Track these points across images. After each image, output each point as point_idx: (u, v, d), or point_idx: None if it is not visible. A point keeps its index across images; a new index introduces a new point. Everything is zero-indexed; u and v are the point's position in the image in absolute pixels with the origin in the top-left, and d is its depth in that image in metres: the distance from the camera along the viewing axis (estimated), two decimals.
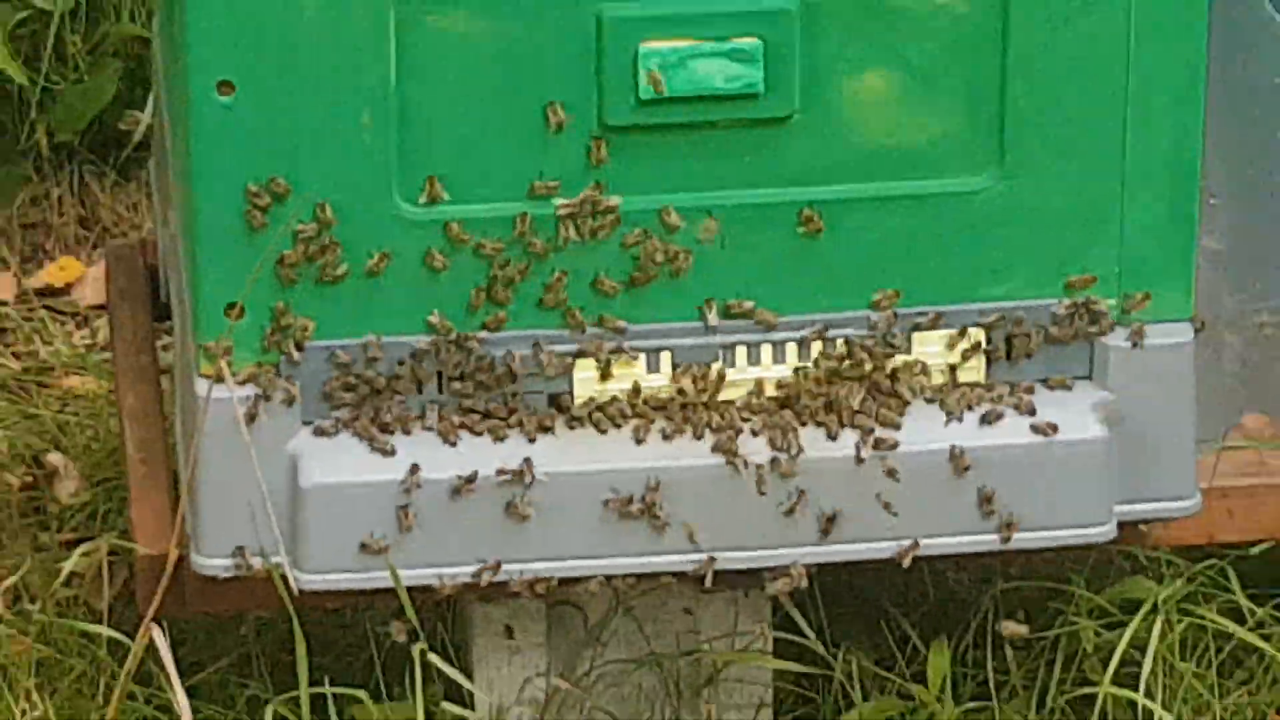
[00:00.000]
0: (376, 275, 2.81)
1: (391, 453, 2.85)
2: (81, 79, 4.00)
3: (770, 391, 2.89)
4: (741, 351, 2.88)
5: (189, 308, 2.86)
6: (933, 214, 2.86)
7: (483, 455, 2.86)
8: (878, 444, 2.87)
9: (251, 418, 2.82)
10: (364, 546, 2.85)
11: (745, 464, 2.86)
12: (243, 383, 2.82)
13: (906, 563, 2.89)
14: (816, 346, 2.88)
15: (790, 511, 2.87)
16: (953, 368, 2.91)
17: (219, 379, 2.82)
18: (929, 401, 2.91)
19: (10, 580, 3.29)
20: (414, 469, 2.83)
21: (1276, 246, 3.13)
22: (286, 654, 2.93)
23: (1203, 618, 3.03)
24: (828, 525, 2.88)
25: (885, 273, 2.87)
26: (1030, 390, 2.90)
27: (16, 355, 3.77)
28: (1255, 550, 3.05)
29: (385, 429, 2.87)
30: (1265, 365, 3.12)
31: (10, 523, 3.46)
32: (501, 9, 2.76)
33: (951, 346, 2.90)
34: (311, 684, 2.89)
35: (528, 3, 2.77)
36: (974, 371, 2.90)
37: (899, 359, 2.89)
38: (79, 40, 4.01)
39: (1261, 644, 3.03)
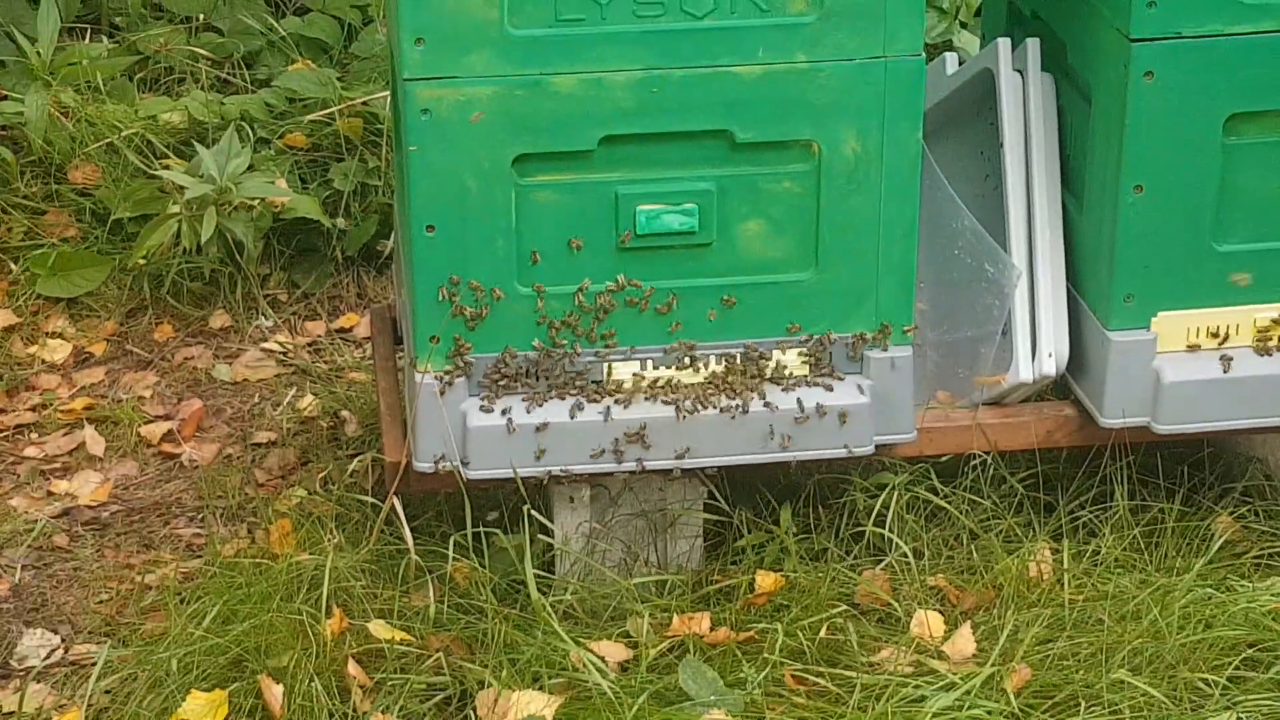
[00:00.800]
0: (505, 319, 2.79)
1: (508, 411, 2.80)
2: (358, 223, 3.95)
3: (701, 379, 2.86)
4: (687, 360, 2.85)
5: (411, 339, 2.85)
6: (783, 292, 2.82)
7: (554, 411, 2.82)
8: (743, 406, 2.84)
9: (442, 393, 2.81)
10: (463, 461, 2.82)
11: (688, 415, 2.84)
12: (438, 376, 2.81)
13: (781, 460, 2.89)
14: (726, 357, 2.85)
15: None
16: (796, 366, 2.87)
17: (426, 373, 2.81)
18: (781, 384, 2.86)
19: (322, 474, 3.29)
20: (527, 414, 2.80)
21: (950, 309, 3.08)
22: (460, 511, 2.90)
23: (917, 493, 2.99)
24: (728, 450, 2.84)
25: (764, 322, 2.83)
26: (832, 378, 2.87)
27: (326, 363, 3.73)
28: (943, 459, 3.02)
29: (505, 398, 2.82)
30: (947, 367, 3.06)
31: (321, 445, 3.42)
32: (569, 191, 2.74)
33: (796, 358, 2.86)
34: (471, 527, 2.89)
35: (582, 186, 2.74)
36: (805, 369, 2.86)
37: (764, 364, 2.86)
38: (357, 204, 3.96)
39: (946, 505, 2.99)
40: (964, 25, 4.26)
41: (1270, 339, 2.93)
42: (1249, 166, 2.83)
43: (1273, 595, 2.84)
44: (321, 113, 4.05)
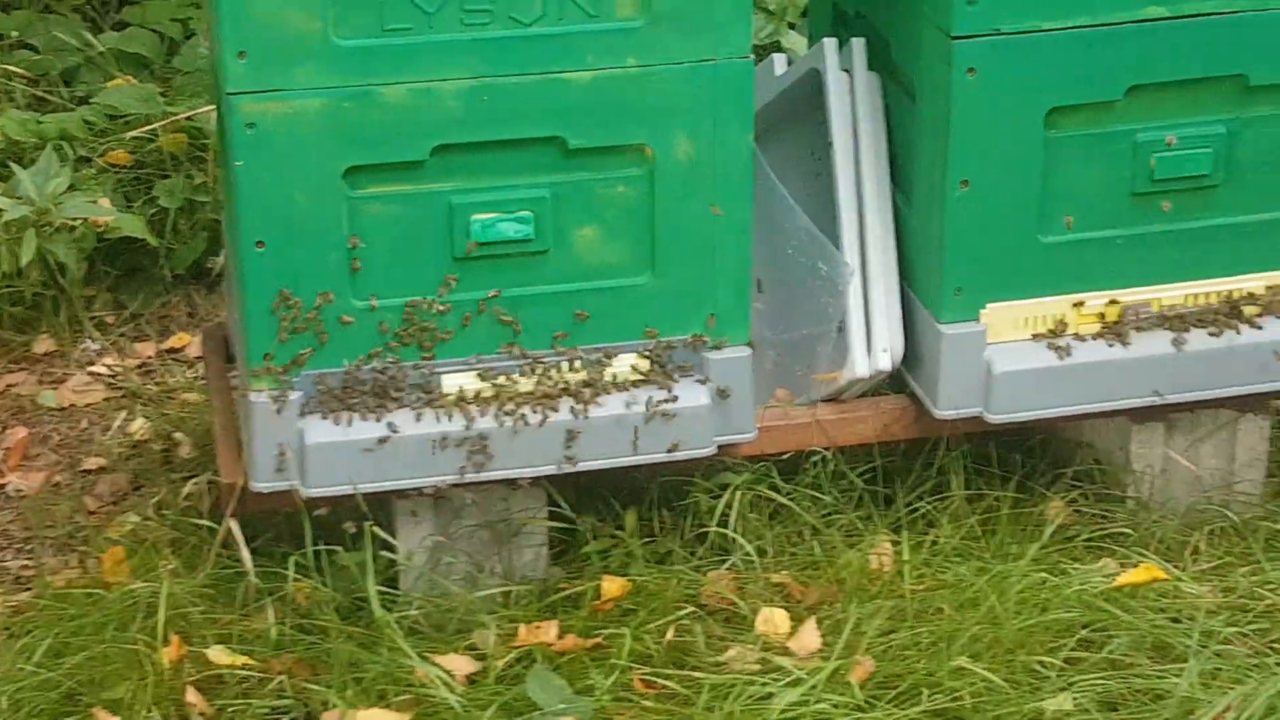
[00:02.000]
0: (340, 333, 2.75)
1: (346, 427, 2.77)
2: (186, 241, 3.89)
3: (543, 387, 2.82)
4: (529, 368, 2.82)
5: (244, 357, 2.80)
6: (621, 297, 2.80)
7: (393, 424, 2.78)
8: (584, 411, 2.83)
9: (278, 411, 2.76)
10: (302, 479, 2.78)
11: (531, 423, 2.81)
12: (272, 394, 2.76)
13: (624, 465, 2.86)
14: (566, 363, 2.82)
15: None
16: (636, 370, 2.85)
17: (261, 392, 2.75)
18: (622, 388, 2.84)
19: (156, 498, 3.20)
20: (366, 429, 2.77)
21: (786, 308, 3.10)
22: (299, 531, 2.84)
23: (759, 491, 2.99)
24: (570, 457, 2.83)
25: (604, 327, 2.81)
26: (672, 380, 2.85)
27: (157, 384, 3.66)
28: (784, 456, 3.02)
29: (343, 413, 2.78)
30: (785, 366, 3.08)
31: (154, 469, 3.34)
32: (400, 201, 2.70)
33: (636, 362, 2.84)
34: (312, 546, 2.84)
35: (416, 197, 2.70)
36: (644, 373, 2.84)
37: (604, 369, 2.84)
38: (185, 221, 3.90)
39: (788, 503, 3.00)
40: (792, 26, 4.28)
41: (1096, 327, 2.96)
42: (1070, 159, 2.87)
43: (1104, 577, 2.90)
44: (144, 129, 3.97)
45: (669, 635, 2.79)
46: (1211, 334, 2.96)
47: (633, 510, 2.97)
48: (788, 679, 2.68)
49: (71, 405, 3.60)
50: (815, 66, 3.03)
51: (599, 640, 2.79)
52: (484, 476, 2.81)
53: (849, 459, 3.04)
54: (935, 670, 2.70)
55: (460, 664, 2.75)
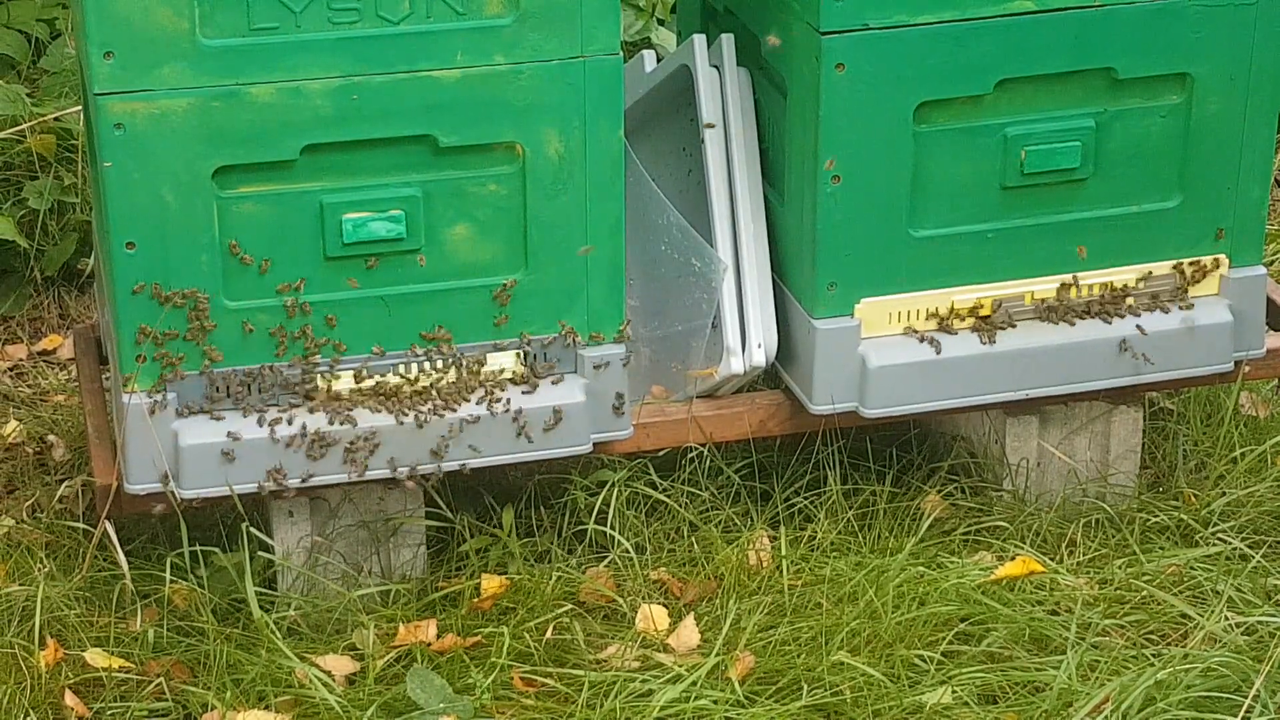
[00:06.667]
0: (213, 333, 2.81)
1: (220, 427, 2.83)
2: (57, 242, 3.92)
3: (419, 386, 2.90)
4: (402, 368, 2.89)
5: (116, 358, 2.85)
6: (493, 295, 2.87)
7: (269, 424, 2.84)
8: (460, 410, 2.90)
9: (152, 412, 2.81)
10: (177, 481, 2.84)
11: (402, 423, 2.87)
12: (146, 395, 2.81)
13: (502, 463, 2.93)
14: (441, 362, 2.89)
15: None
16: (510, 368, 2.92)
17: (134, 393, 2.81)
18: (498, 386, 2.90)
19: (30, 501, 3.24)
20: (236, 436, 2.83)
21: (660, 304, 3.15)
22: (176, 532, 2.89)
23: (636, 488, 3.05)
24: (446, 455, 2.88)
25: (478, 325, 2.87)
26: (547, 378, 2.92)
27: (29, 386, 3.68)
28: (661, 453, 3.08)
29: (217, 414, 2.84)
30: (661, 362, 3.13)
31: (28, 472, 3.37)
32: (273, 201, 2.76)
33: (510, 360, 2.91)
34: (188, 547, 2.89)
35: (286, 196, 2.76)
36: (519, 370, 2.91)
37: (480, 367, 2.91)
38: (54, 223, 3.93)
39: (665, 499, 3.05)
40: (661, 22, 4.32)
41: (969, 321, 3.05)
42: (939, 153, 2.95)
43: (981, 570, 2.96)
44: (12, 130, 3.98)
45: (548, 633, 2.85)
46: (1083, 326, 3.06)
47: (510, 508, 3.02)
48: (668, 675, 2.73)
49: None
50: (685, 63, 3.09)
51: (478, 639, 2.84)
52: (357, 477, 2.86)
53: (725, 455, 3.11)
54: (815, 665, 2.76)
55: (339, 664, 2.81)
